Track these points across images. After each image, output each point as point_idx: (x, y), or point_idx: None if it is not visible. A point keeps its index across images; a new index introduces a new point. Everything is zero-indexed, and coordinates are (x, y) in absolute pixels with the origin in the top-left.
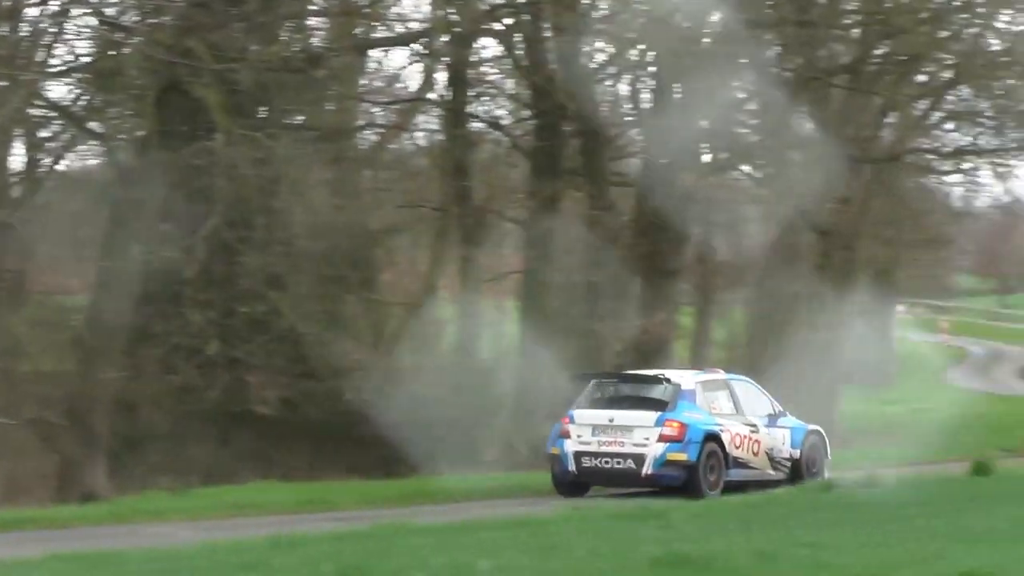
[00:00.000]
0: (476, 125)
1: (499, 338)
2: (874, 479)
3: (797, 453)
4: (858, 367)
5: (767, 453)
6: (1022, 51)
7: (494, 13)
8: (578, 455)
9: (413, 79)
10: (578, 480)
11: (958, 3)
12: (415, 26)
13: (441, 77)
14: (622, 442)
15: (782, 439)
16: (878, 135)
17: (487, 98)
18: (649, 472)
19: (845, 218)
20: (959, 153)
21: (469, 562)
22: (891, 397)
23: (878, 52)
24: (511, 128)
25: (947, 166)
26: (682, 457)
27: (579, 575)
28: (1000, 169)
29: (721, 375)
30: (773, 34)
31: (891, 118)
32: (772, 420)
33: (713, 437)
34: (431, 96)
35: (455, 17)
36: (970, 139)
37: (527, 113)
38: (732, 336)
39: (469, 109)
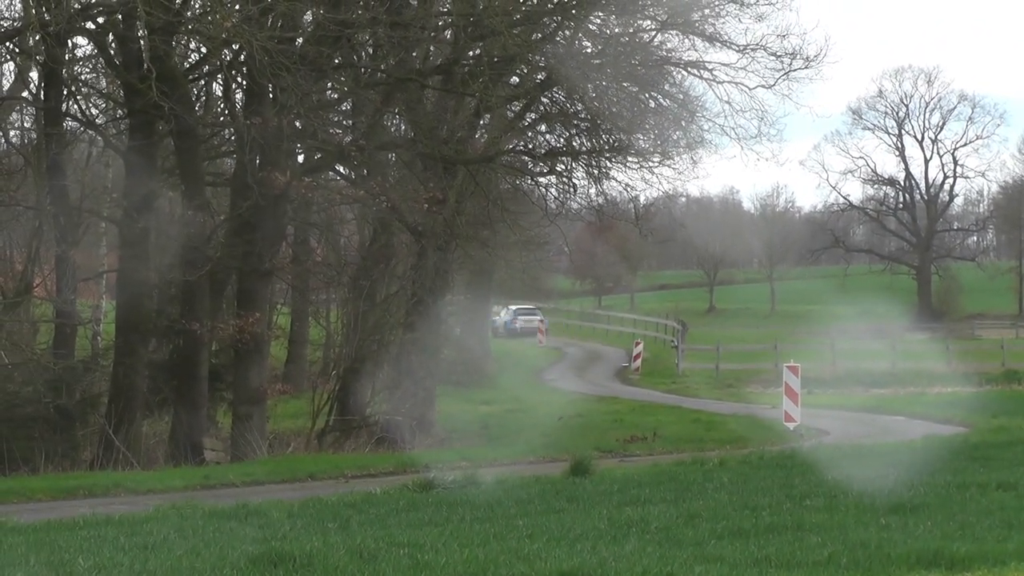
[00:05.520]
0: (70, 124)
1: (96, 337)
2: (473, 478)
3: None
4: (455, 367)
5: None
6: (614, 54)
7: (87, 12)
8: (519, 326)
9: (5, 77)
10: (518, 334)
11: (551, 5)
12: (7, 24)
13: (34, 76)
14: (532, 323)
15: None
16: (472, 136)
17: (81, 97)
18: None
19: (440, 219)
20: (553, 154)
21: (68, 560)
22: (488, 397)
23: (471, 53)
24: (105, 127)
25: (541, 167)
26: (543, 327)
27: (177, 574)
28: (594, 171)
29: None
30: (366, 35)
31: (485, 119)
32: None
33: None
34: (24, 95)
35: (48, 16)
36: (564, 141)
37: (121, 112)
38: (328, 336)
39: (63, 108)
